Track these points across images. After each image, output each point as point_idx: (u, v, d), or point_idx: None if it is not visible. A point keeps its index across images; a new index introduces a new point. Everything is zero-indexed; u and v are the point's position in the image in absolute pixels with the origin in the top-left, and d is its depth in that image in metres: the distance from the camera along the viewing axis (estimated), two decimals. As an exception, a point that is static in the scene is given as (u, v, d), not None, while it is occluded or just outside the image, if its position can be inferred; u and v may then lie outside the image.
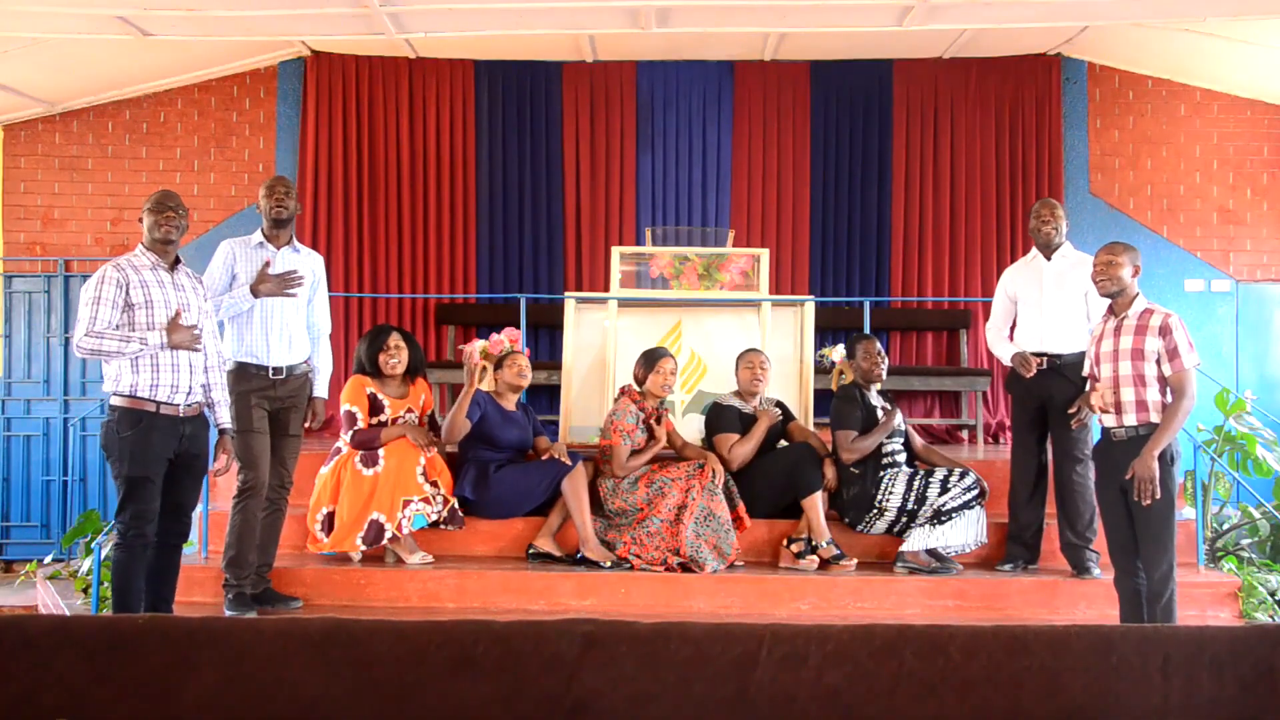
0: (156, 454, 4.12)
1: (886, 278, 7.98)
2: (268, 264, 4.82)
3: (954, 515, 5.20)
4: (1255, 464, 6.17)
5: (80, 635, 2.51)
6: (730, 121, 8.00)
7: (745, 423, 5.52)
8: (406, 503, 5.11)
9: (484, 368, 5.45)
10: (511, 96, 7.97)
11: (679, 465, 5.32)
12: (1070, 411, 4.71)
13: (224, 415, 4.42)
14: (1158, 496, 4.18)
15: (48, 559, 6.95)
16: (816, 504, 5.28)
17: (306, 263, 4.99)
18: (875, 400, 5.51)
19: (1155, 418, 4.26)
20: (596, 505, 5.36)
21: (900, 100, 7.95)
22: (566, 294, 6.43)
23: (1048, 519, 5.32)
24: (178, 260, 4.31)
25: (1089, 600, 5.04)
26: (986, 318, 5.66)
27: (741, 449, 5.43)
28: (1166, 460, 4.24)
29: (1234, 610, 5.11)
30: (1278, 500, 6.47)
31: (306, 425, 4.98)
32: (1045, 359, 5.15)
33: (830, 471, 5.40)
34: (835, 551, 5.26)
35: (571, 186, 7.98)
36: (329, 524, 5.21)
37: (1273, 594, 5.27)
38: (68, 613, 5.50)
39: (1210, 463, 6.07)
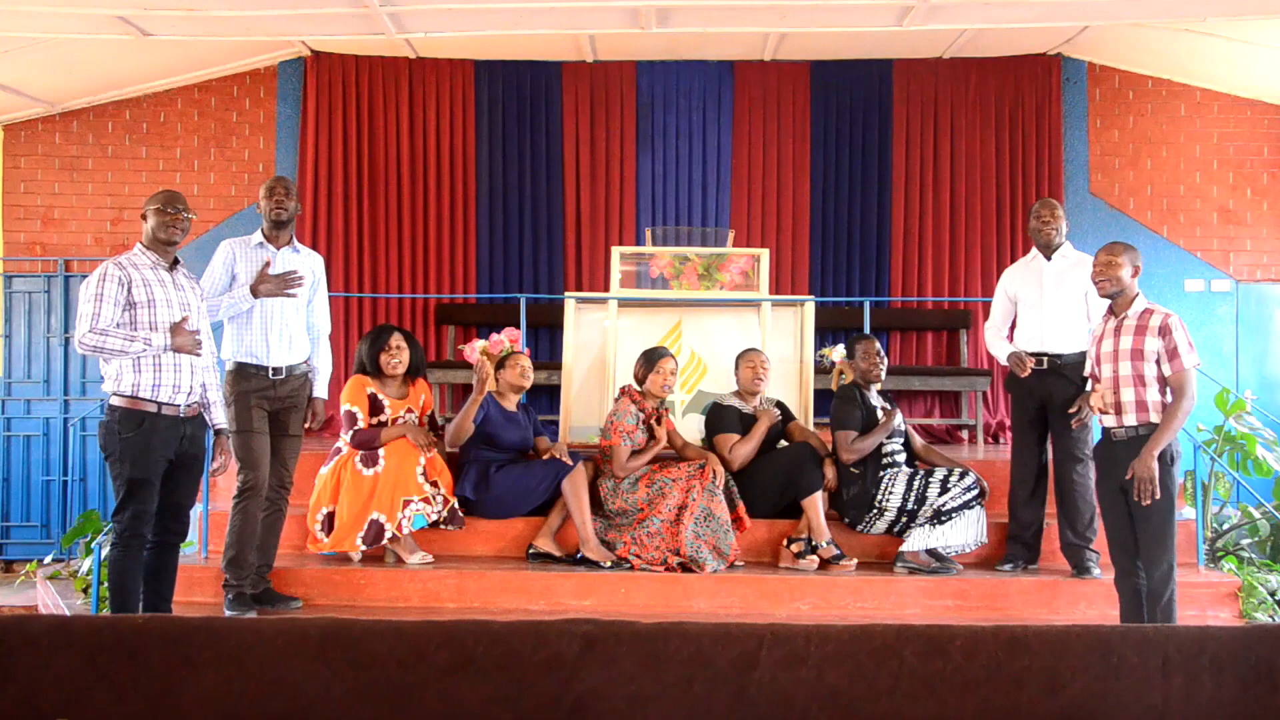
0: (157, 455, 4.12)
1: (886, 278, 7.98)
2: (268, 264, 4.82)
3: (954, 515, 5.20)
4: (1255, 464, 6.16)
5: (80, 635, 2.51)
6: (730, 121, 8.00)
7: (745, 423, 5.52)
8: (406, 503, 5.11)
9: (487, 364, 5.45)
10: (511, 96, 7.97)
11: (679, 465, 5.32)
12: (1070, 411, 4.71)
13: (219, 415, 4.42)
14: (1157, 496, 4.18)
15: (48, 559, 6.95)
16: (816, 504, 5.28)
17: (306, 263, 4.99)
18: (875, 400, 5.51)
19: (1155, 418, 4.26)
20: (597, 505, 5.36)
21: (900, 100, 7.95)
22: (566, 294, 6.43)
23: (1048, 519, 5.32)
24: (176, 261, 4.31)
25: (1089, 600, 5.04)
26: (986, 318, 5.66)
27: (742, 449, 5.43)
28: (1166, 460, 4.24)
29: (1234, 610, 5.11)
30: (1278, 500, 6.47)
31: (306, 425, 4.99)
32: (1045, 359, 5.15)
33: (830, 471, 5.40)
34: (835, 551, 5.26)
35: (571, 186, 7.97)
36: (329, 524, 5.21)
37: (1273, 594, 5.27)
38: (68, 613, 5.50)
39: (1210, 463, 6.07)
